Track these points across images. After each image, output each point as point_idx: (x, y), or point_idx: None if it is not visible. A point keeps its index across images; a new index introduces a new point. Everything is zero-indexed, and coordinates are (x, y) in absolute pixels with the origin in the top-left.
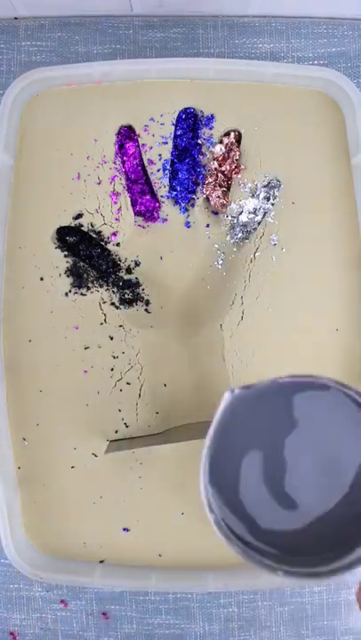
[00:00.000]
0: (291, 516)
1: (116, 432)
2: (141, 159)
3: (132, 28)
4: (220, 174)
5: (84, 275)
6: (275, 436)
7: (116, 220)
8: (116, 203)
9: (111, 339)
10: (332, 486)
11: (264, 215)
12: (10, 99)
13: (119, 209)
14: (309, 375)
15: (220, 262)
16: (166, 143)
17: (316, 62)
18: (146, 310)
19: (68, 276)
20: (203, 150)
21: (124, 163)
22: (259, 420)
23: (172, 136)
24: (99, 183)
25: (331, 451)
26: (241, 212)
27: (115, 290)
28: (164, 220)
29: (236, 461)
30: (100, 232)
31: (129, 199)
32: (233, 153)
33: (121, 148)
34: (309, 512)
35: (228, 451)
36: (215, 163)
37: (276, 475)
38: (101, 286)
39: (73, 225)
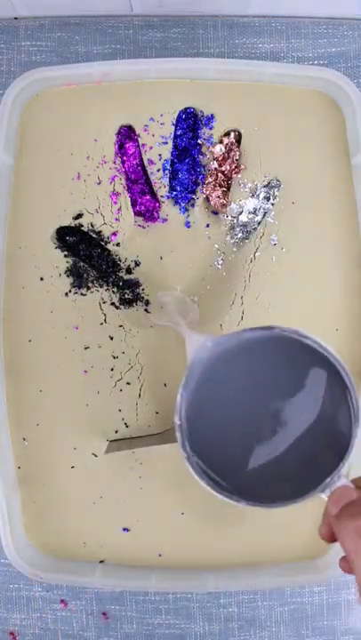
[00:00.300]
0: (249, 462)
1: (116, 432)
2: (141, 159)
3: (132, 28)
4: (220, 174)
5: (84, 275)
6: (242, 388)
7: (116, 220)
8: (116, 203)
9: (111, 339)
10: (283, 435)
11: (264, 215)
12: (10, 99)
13: (119, 209)
14: (271, 327)
15: (220, 262)
16: (166, 143)
17: (316, 62)
18: (146, 310)
19: (68, 276)
20: (203, 150)
21: (124, 163)
22: (232, 375)
23: (172, 136)
24: (99, 183)
25: (287, 399)
26: (241, 212)
27: (115, 290)
28: (164, 219)
29: (208, 414)
30: (100, 232)
31: (129, 199)
32: (233, 153)
33: (121, 147)
34: (267, 459)
35: (202, 405)
36: (215, 163)
37: (239, 426)
38: (101, 286)
39: (73, 225)
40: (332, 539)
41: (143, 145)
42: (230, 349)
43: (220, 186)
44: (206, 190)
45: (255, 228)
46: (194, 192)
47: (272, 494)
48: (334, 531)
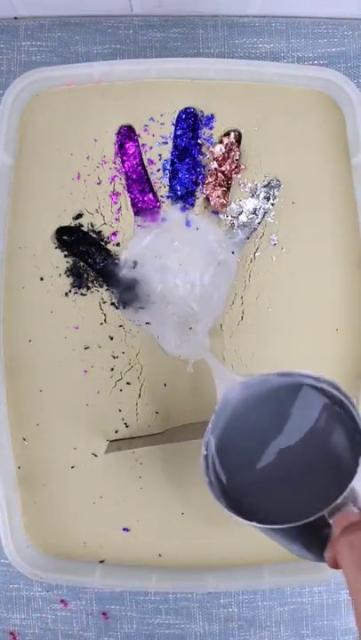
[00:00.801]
0: (264, 488)
1: (116, 432)
2: (141, 159)
3: (132, 28)
4: (220, 174)
5: (84, 275)
6: (266, 429)
7: (116, 220)
8: (116, 203)
9: (111, 339)
10: (297, 465)
11: (264, 215)
12: (10, 99)
13: (119, 209)
14: (291, 373)
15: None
16: (166, 143)
17: (316, 62)
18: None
19: (68, 276)
20: (203, 150)
21: (123, 163)
22: (257, 417)
23: (172, 136)
24: (99, 183)
25: (303, 434)
26: (241, 212)
27: (114, 290)
28: (164, 219)
29: (230, 447)
30: (100, 232)
31: (129, 199)
32: (233, 153)
33: (121, 147)
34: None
35: (228, 439)
36: (215, 163)
37: (257, 455)
38: (101, 286)
39: (73, 225)
40: (336, 564)
41: (143, 145)
42: (258, 394)
43: (220, 186)
44: (206, 190)
45: (255, 228)
46: (194, 192)
47: (284, 516)
48: (333, 550)
